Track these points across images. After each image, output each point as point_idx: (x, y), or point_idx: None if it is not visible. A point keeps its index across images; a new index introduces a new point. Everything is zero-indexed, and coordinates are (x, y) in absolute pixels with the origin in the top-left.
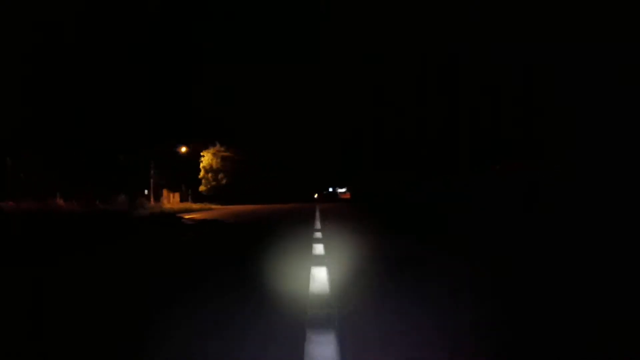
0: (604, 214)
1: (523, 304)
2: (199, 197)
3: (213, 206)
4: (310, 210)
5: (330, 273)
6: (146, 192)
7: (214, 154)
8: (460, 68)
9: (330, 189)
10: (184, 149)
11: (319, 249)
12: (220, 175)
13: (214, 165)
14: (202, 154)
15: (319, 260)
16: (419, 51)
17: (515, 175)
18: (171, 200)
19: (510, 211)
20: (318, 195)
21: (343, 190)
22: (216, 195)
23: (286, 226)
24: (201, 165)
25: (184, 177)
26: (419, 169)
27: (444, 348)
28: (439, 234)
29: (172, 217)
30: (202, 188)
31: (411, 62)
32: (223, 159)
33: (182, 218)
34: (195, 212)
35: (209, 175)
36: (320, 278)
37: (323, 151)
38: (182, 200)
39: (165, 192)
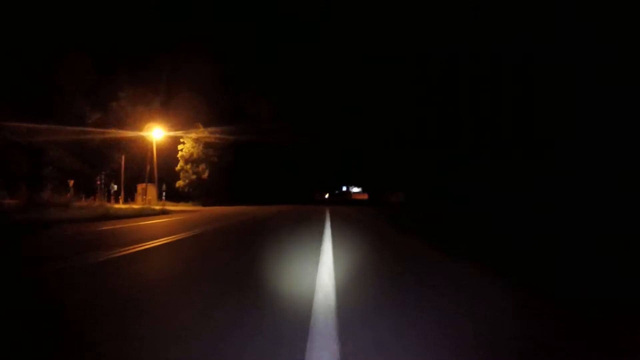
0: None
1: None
2: (178, 195)
3: (177, 207)
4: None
5: None
6: (116, 188)
7: (195, 140)
8: (460, 68)
9: (344, 188)
10: (160, 135)
11: None
12: (201, 167)
13: (195, 154)
14: (181, 139)
15: None
16: (419, 51)
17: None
18: (145, 198)
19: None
20: (329, 196)
21: (357, 190)
22: (198, 192)
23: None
24: (179, 153)
25: (163, 170)
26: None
27: None
28: None
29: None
30: (179, 183)
31: (411, 62)
32: (207, 145)
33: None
34: (126, 220)
35: (188, 166)
36: None
37: (332, 148)
38: (160, 198)
39: (141, 187)
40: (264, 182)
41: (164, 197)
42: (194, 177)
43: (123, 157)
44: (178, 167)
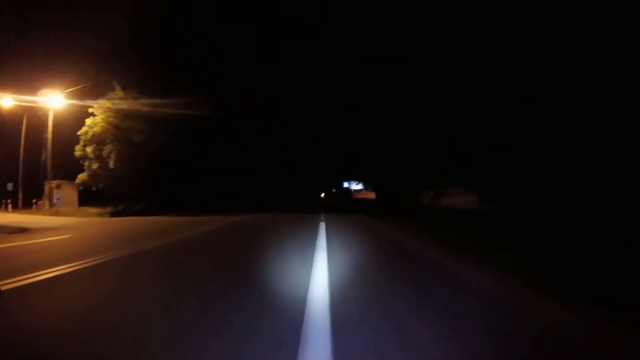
0: None
1: None
2: (107, 197)
3: (36, 218)
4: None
5: None
6: (9, 186)
7: (109, 110)
8: (460, 68)
9: (346, 184)
10: (59, 104)
11: None
12: (107, 149)
13: (99, 130)
14: (90, 109)
15: None
16: (419, 51)
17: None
18: (46, 203)
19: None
20: (324, 196)
21: (358, 187)
22: (115, 192)
23: None
24: (82, 129)
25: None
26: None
27: None
28: None
29: None
30: (81, 178)
31: (411, 62)
32: (122, 115)
33: None
34: None
35: (90, 149)
36: None
37: (332, 147)
38: (81, 203)
39: (49, 186)
40: (234, 179)
41: (56, 201)
42: (96, 166)
43: (22, 141)
44: (78, 152)
